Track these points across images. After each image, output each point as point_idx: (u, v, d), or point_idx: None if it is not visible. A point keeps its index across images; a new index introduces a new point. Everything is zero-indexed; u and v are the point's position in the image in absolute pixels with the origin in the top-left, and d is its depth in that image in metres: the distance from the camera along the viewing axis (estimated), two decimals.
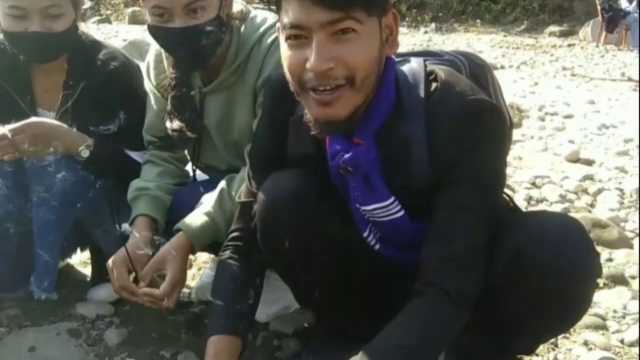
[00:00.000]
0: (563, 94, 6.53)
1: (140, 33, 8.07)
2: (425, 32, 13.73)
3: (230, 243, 1.51)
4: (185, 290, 1.99)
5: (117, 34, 11.06)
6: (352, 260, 1.44)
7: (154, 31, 1.66)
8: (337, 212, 1.39)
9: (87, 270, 2.23)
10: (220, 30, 1.67)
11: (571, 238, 1.20)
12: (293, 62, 1.18)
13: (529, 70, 8.79)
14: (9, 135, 1.70)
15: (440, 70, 1.27)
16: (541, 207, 3.08)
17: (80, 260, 2.29)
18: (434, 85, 1.25)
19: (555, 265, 1.18)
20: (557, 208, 3.01)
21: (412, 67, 1.30)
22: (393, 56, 1.26)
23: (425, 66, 1.30)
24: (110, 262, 1.61)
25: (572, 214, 2.89)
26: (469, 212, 1.21)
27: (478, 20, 14.78)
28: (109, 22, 14.31)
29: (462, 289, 1.20)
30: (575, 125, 5.01)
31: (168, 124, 1.80)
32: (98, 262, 2.10)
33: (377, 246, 1.42)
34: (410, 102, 1.24)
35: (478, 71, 1.45)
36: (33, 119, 1.79)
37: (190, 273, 2.20)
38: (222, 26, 1.68)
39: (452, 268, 1.20)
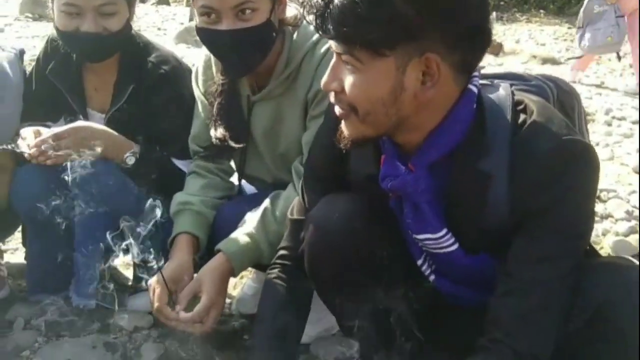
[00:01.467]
0: (631, 97, 6.19)
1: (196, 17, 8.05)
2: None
3: (278, 261, 1.47)
4: (226, 300, 1.94)
5: (174, 16, 11.15)
6: (405, 294, 1.34)
7: (201, 33, 1.59)
8: (391, 238, 1.33)
9: (130, 273, 2.20)
10: (271, 35, 1.59)
11: None
12: None
13: (595, 67, 8.40)
14: (51, 140, 1.66)
15: (531, 102, 1.17)
16: (606, 224, 2.90)
17: (123, 262, 2.26)
18: (522, 117, 1.16)
19: (634, 328, 1.08)
20: (623, 227, 2.82)
21: (499, 96, 1.21)
22: (474, 88, 1.16)
23: (513, 94, 1.20)
24: (149, 283, 1.56)
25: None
26: (552, 267, 1.12)
27: (541, 11, 14.25)
28: (168, 3, 14.44)
29: (535, 354, 1.11)
30: None
31: (212, 132, 1.74)
32: (140, 267, 2.06)
33: (432, 277, 1.35)
34: (494, 135, 1.15)
35: (565, 98, 1.37)
36: (79, 123, 1.76)
37: (231, 282, 2.14)
38: (273, 31, 1.59)
39: (526, 328, 1.12)
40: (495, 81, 1.28)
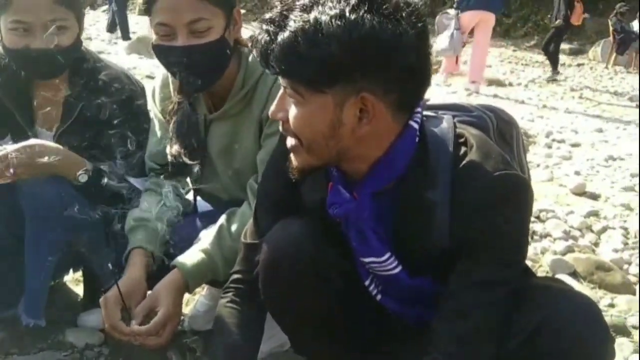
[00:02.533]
0: (571, 120, 6.48)
1: (149, 27, 7.99)
2: (434, 42, 13.65)
3: (232, 285, 1.48)
4: None
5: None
6: (353, 313, 1.40)
7: (157, 49, 1.62)
8: (342, 261, 1.36)
9: (80, 289, 2.18)
10: (225, 52, 1.63)
11: (586, 323, 1.16)
12: None
13: (537, 90, 8.74)
14: (5, 158, 1.63)
15: (471, 136, 1.23)
16: (544, 243, 3.03)
17: (73, 278, 2.24)
18: (462, 149, 1.21)
19: (569, 352, 1.15)
20: (561, 245, 2.95)
21: (442, 127, 1.27)
22: (414, 124, 1.21)
23: (455, 127, 1.26)
24: (102, 299, 1.55)
25: (576, 255, 2.86)
26: (489, 290, 1.18)
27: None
28: None
29: None
30: (582, 155, 4.97)
31: (168, 149, 1.75)
32: (90, 283, 2.05)
33: (379, 297, 1.40)
34: (437, 166, 1.20)
35: (504, 127, 1.44)
36: (31, 141, 1.72)
37: (184, 299, 2.15)
38: (227, 49, 1.63)
39: (464, 350, 1.17)
40: (440, 112, 1.33)
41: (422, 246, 1.23)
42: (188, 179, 1.90)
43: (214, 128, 1.77)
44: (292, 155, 1.24)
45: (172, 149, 1.74)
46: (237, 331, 1.42)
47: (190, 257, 1.61)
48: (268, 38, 1.11)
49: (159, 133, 1.83)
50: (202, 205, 1.93)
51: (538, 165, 4.48)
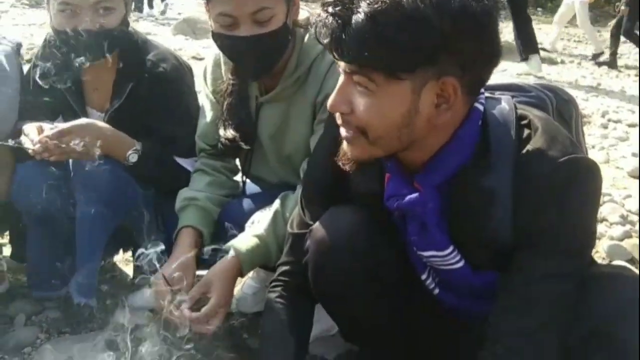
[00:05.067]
0: (628, 99, 6.22)
1: (195, 7, 8.01)
2: None
3: (280, 278, 1.45)
4: None
5: (172, 6, 11.07)
6: (407, 305, 1.38)
7: (218, 39, 1.59)
8: (396, 253, 1.32)
9: (129, 269, 2.20)
10: (287, 38, 1.60)
11: None
12: None
13: (591, 68, 8.44)
14: (52, 137, 1.64)
15: (536, 118, 1.16)
16: (601, 228, 2.91)
17: (123, 258, 2.26)
18: (526, 132, 1.15)
19: (632, 348, 1.08)
20: (618, 231, 2.84)
21: (503, 109, 1.19)
22: (480, 106, 1.15)
23: (516, 108, 1.19)
24: (152, 280, 1.56)
25: (634, 240, 2.74)
26: (555, 283, 1.12)
27: (539, 9, 14.27)
28: None
29: None
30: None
31: (222, 132, 1.74)
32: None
33: (437, 291, 1.36)
34: (498, 151, 1.14)
35: (564, 107, 1.37)
36: (82, 120, 1.75)
37: None
38: (289, 34, 1.60)
39: (528, 345, 1.11)
40: (497, 94, 1.26)
41: (481, 238, 1.17)
42: (237, 161, 1.88)
43: (264, 111, 1.73)
44: (346, 145, 1.17)
45: (227, 132, 1.73)
46: (286, 329, 1.39)
47: (245, 242, 1.59)
48: (337, 22, 1.03)
49: (210, 114, 1.81)
50: (251, 187, 1.91)
51: (593, 147, 4.31)
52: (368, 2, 1.00)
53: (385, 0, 0.99)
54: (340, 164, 1.20)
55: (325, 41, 1.06)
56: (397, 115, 1.07)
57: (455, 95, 1.06)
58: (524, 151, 1.12)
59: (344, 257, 1.26)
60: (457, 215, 1.19)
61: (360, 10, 1.01)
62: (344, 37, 1.03)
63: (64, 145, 1.65)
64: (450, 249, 1.23)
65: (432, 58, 1.02)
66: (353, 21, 1.01)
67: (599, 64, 8.82)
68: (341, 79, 1.11)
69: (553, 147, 1.10)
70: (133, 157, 1.76)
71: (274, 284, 1.45)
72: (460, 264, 1.24)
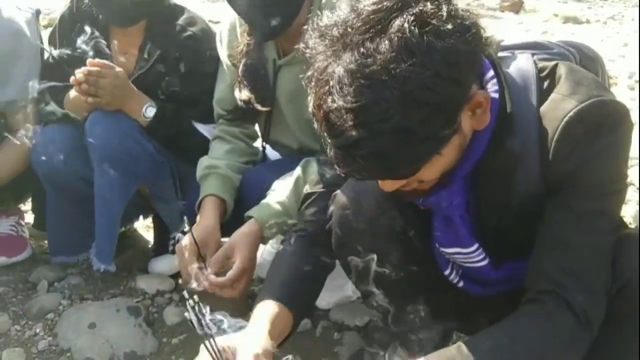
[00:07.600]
0: None
1: None
2: None
3: (295, 234, 1.40)
4: None
5: None
6: (431, 279, 1.34)
7: None
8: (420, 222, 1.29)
9: (150, 236, 2.20)
10: None
11: None
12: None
13: (617, 27, 8.18)
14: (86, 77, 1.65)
15: (557, 66, 1.11)
16: (627, 192, 2.84)
17: (144, 224, 2.26)
18: (546, 83, 1.10)
19: None
20: None
21: (521, 67, 1.14)
22: (495, 95, 1.08)
23: (535, 63, 1.14)
24: (177, 246, 1.54)
25: None
26: (592, 223, 1.06)
27: None
28: None
29: (585, 310, 1.05)
30: None
31: (237, 94, 1.70)
32: (161, 230, 2.06)
33: (461, 283, 1.34)
34: (520, 114, 1.09)
35: (589, 64, 1.31)
36: (118, 68, 1.73)
37: None
38: None
39: (574, 281, 1.06)
40: (516, 52, 1.21)
41: (512, 205, 1.13)
42: (257, 127, 1.85)
43: (283, 74, 1.69)
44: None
45: (242, 94, 1.68)
46: (292, 274, 1.32)
47: (267, 208, 1.56)
48: (348, 159, 0.97)
49: (226, 78, 1.77)
50: (271, 153, 1.88)
51: None
52: (355, 123, 0.93)
53: (369, 119, 0.92)
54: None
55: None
56: (451, 155, 1.04)
57: (486, 102, 1.02)
58: (548, 100, 1.08)
59: (370, 224, 1.25)
60: (484, 188, 1.15)
61: (379, 133, 0.93)
62: (364, 174, 1.01)
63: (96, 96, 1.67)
64: (475, 246, 1.21)
65: (451, 120, 0.97)
66: (376, 146, 0.94)
67: None
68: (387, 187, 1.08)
69: (578, 91, 1.06)
70: (150, 111, 1.75)
71: (286, 238, 1.41)
72: (485, 262, 1.23)
